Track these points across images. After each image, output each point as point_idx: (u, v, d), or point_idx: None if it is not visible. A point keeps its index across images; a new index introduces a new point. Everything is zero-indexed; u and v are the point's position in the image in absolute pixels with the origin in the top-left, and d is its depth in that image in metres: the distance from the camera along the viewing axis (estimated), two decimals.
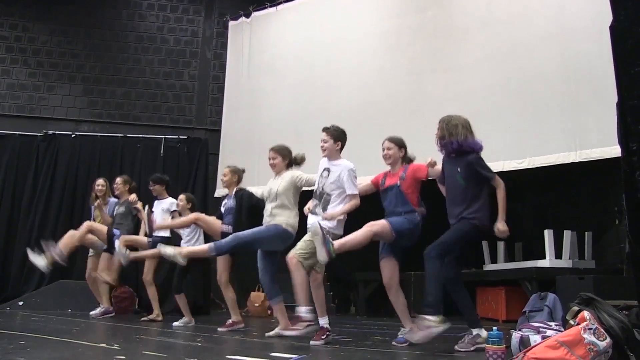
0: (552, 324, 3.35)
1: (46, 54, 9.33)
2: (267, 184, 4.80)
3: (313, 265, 4.13)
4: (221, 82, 9.45)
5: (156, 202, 6.55)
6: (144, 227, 6.54)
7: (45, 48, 9.35)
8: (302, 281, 4.09)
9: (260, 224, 4.68)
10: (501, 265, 7.10)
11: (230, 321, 5.38)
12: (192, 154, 8.89)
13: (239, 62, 9.27)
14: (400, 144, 4.24)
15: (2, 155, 8.58)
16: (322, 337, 4.04)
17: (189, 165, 8.82)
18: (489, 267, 7.27)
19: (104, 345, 3.81)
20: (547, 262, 6.15)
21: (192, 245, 5.93)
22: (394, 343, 4.03)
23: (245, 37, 9.29)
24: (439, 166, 4.16)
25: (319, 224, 3.87)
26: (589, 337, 2.54)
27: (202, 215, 5.71)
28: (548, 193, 7.65)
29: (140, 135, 8.92)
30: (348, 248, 3.87)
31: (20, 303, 7.37)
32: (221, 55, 9.68)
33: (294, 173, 4.67)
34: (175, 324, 5.74)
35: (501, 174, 6.35)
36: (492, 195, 3.88)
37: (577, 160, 6.00)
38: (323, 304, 4.22)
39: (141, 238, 6.40)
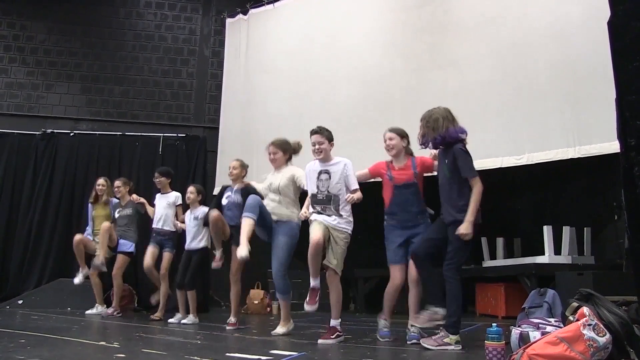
0: (552, 320, 3.36)
1: (44, 52, 9.31)
2: (267, 178, 4.83)
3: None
4: (219, 79, 9.43)
5: (158, 196, 6.58)
6: (151, 211, 6.63)
7: (43, 47, 9.33)
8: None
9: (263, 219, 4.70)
10: (500, 262, 7.10)
11: (233, 320, 5.32)
12: (191, 151, 8.88)
13: (236, 59, 9.26)
14: (402, 134, 4.23)
15: (0, 154, 8.57)
16: (332, 336, 4.05)
17: (188, 163, 8.81)
18: (488, 263, 7.28)
19: (103, 343, 3.82)
20: (546, 258, 6.16)
21: (197, 239, 5.96)
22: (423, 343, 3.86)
23: (243, 34, 9.27)
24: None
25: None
26: (588, 333, 2.54)
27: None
28: (547, 189, 7.65)
29: (139, 134, 8.91)
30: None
31: (20, 301, 7.38)
32: (219, 52, 9.66)
33: (295, 172, 4.68)
34: (184, 320, 5.76)
35: (500, 170, 6.46)
36: (485, 192, 3.83)
37: (576, 156, 5.99)
38: (339, 307, 4.25)
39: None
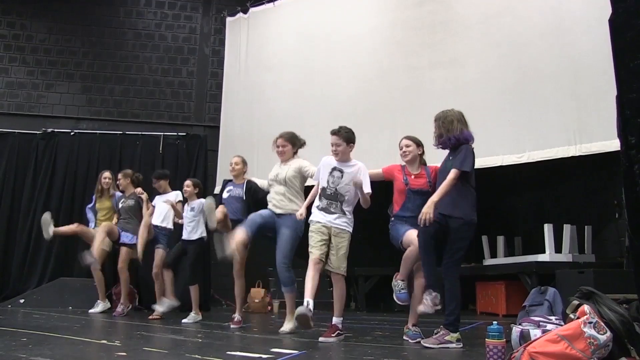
0: (552, 318, 3.36)
1: (44, 52, 9.31)
2: (273, 169, 4.85)
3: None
4: (219, 78, 9.43)
5: (158, 197, 6.59)
6: (147, 219, 6.56)
7: (44, 46, 9.33)
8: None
9: None
10: (501, 260, 7.11)
11: (237, 318, 5.32)
12: (191, 150, 8.87)
13: (236, 58, 9.25)
14: (418, 143, 4.31)
15: (1, 154, 8.56)
16: (333, 334, 4.06)
17: (188, 161, 8.80)
18: (488, 261, 7.28)
19: (105, 341, 3.82)
20: (547, 256, 6.16)
21: (194, 231, 5.95)
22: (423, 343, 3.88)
23: (243, 33, 9.27)
24: None
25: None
26: (589, 330, 2.54)
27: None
28: (548, 187, 7.65)
29: (139, 133, 8.90)
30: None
31: (22, 300, 7.38)
32: (219, 51, 9.66)
33: (302, 163, 4.73)
34: (184, 320, 5.74)
35: (501, 168, 6.45)
36: (479, 189, 3.91)
37: (576, 154, 5.99)
38: (342, 304, 4.29)
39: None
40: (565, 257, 6.17)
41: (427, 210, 3.68)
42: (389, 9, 7.88)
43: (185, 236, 6.02)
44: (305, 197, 4.71)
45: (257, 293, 7.88)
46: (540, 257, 6.21)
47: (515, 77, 6.61)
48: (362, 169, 4.32)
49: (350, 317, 6.41)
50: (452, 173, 3.75)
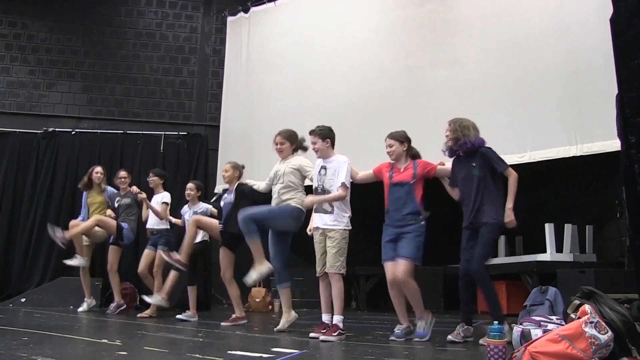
0: (553, 317, 3.36)
1: (45, 51, 9.32)
2: (273, 168, 4.86)
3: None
4: (220, 78, 9.43)
5: (153, 198, 6.62)
6: (146, 213, 6.63)
7: (45, 45, 9.34)
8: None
9: None
10: (502, 259, 7.10)
11: (234, 316, 5.42)
12: (192, 150, 8.87)
13: (237, 57, 9.26)
14: (401, 139, 4.28)
15: (2, 153, 8.57)
16: (334, 333, 4.07)
17: (189, 161, 8.80)
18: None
19: (105, 341, 3.83)
20: (548, 255, 6.16)
21: (197, 237, 5.96)
22: (392, 338, 4.06)
23: (244, 32, 9.27)
24: (448, 165, 4.21)
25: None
26: (590, 330, 2.53)
27: (201, 218, 5.73)
28: (548, 186, 7.64)
29: (140, 132, 8.91)
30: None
31: (23, 300, 7.39)
32: (220, 51, 9.65)
33: (302, 161, 4.74)
34: (179, 316, 5.80)
35: None
36: (503, 189, 4.00)
37: (577, 154, 5.98)
38: (341, 302, 4.30)
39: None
40: (566, 256, 6.16)
41: (512, 218, 3.86)
42: (390, 8, 7.87)
43: None
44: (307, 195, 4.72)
45: (258, 292, 7.88)
46: (541, 257, 6.20)
47: (516, 77, 6.60)
48: (341, 161, 4.38)
49: (351, 316, 6.41)
50: (511, 176, 3.96)
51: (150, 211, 6.51)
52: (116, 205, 6.84)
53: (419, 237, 4.05)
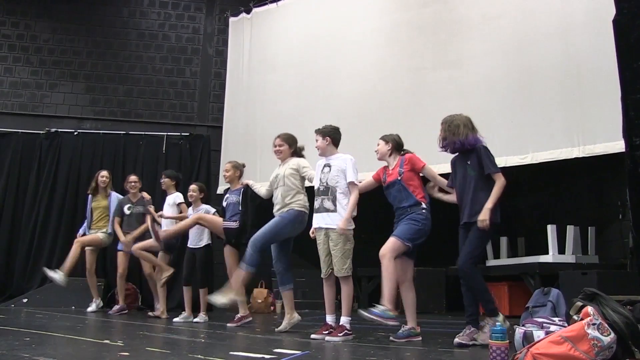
0: (556, 319, 3.35)
1: (48, 52, 9.32)
2: (273, 173, 4.88)
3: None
4: (223, 78, 9.43)
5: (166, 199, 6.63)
6: (148, 225, 6.55)
7: (48, 46, 9.34)
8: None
9: (266, 221, 4.72)
10: (504, 261, 7.10)
11: (238, 316, 5.42)
12: (195, 150, 8.88)
13: (239, 58, 9.26)
14: (386, 139, 4.34)
15: (5, 154, 8.58)
16: (340, 334, 4.09)
17: (192, 162, 8.82)
18: (491, 262, 7.27)
19: (107, 341, 3.83)
20: (550, 257, 6.16)
21: (200, 237, 5.97)
22: (392, 338, 4.05)
23: (246, 33, 9.28)
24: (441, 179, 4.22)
25: (363, 313, 3.89)
26: (593, 332, 2.53)
27: (203, 215, 5.74)
28: (551, 188, 7.64)
29: (143, 133, 8.92)
30: (393, 292, 3.96)
31: (25, 300, 7.41)
32: (222, 51, 9.66)
33: (300, 162, 4.76)
34: (196, 319, 5.84)
35: (504, 169, 6.37)
36: (511, 193, 4.05)
37: (580, 156, 5.98)
38: (349, 303, 4.34)
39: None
40: (568, 258, 6.16)
41: (484, 218, 3.78)
42: (393, 9, 7.88)
43: (191, 244, 6.02)
44: (307, 195, 4.73)
45: (260, 293, 7.88)
46: (544, 258, 6.20)
47: (519, 78, 6.61)
48: (348, 160, 4.41)
49: (353, 317, 6.41)
50: (498, 181, 3.89)
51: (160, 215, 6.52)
52: (127, 212, 6.83)
53: (413, 222, 4.03)
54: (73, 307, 7.11)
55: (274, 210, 4.75)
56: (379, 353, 3.43)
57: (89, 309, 6.77)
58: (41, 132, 8.70)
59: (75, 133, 8.78)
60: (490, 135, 6.21)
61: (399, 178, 4.15)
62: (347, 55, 8.05)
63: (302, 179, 4.72)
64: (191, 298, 5.99)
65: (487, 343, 3.55)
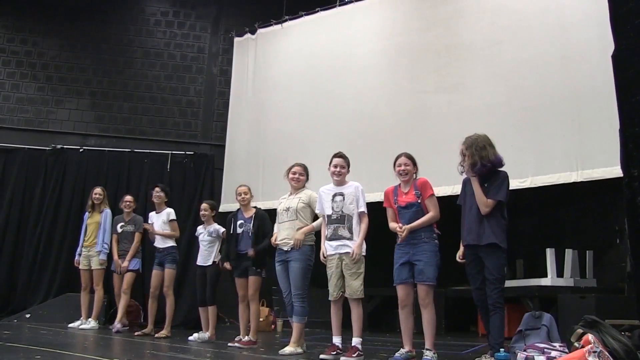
0: (556, 344, 3.42)
1: (55, 68, 9.45)
2: (282, 202, 4.93)
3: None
4: (227, 97, 9.54)
5: (152, 214, 6.70)
6: (138, 244, 6.88)
7: (54, 63, 9.48)
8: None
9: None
10: None
11: (246, 339, 5.31)
12: (198, 169, 8.96)
13: (243, 78, 9.38)
14: (414, 161, 4.33)
15: (10, 169, 8.67)
16: (353, 355, 4.13)
17: (195, 180, 8.89)
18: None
19: None
20: (548, 280, 6.20)
21: (211, 255, 5.98)
22: None
23: (251, 53, 9.40)
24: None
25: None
26: (593, 359, 2.60)
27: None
28: (550, 212, 7.71)
29: (147, 150, 9.00)
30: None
31: (27, 315, 7.43)
32: (227, 71, 9.78)
33: (312, 195, 4.82)
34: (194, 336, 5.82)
35: None
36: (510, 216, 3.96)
37: (578, 180, 6.06)
38: (361, 324, 4.38)
39: None
40: (566, 281, 6.21)
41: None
42: (395, 33, 7.99)
43: (200, 262, 6.02)
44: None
45: (261, 312, 7.89)
46: (543, 282, 6.25)
47: (519, 103, 6.70)
48: (360, 189, 4.51)
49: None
50: (488, 207, 3.84)
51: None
52: (119, 231, 6.93)
53: (436, 258, 4.08)
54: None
55: (280, 238, 4.78)
56: None
57: (73, 324, 6.84)
58: (47, 148, 8.79)
59: (80, 150, 8.88)
60: None
61: (419, 201, 4.16)
62: (349, 76, 8.15)
63: (313, 211, 4.79)
64: (207, 316, 5.96)
65: None
